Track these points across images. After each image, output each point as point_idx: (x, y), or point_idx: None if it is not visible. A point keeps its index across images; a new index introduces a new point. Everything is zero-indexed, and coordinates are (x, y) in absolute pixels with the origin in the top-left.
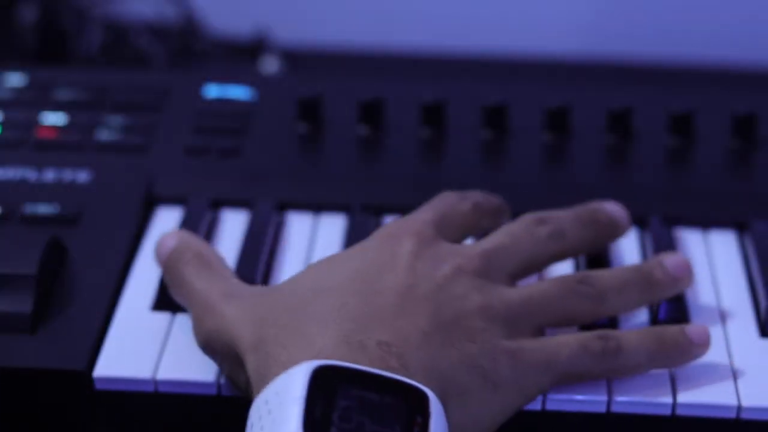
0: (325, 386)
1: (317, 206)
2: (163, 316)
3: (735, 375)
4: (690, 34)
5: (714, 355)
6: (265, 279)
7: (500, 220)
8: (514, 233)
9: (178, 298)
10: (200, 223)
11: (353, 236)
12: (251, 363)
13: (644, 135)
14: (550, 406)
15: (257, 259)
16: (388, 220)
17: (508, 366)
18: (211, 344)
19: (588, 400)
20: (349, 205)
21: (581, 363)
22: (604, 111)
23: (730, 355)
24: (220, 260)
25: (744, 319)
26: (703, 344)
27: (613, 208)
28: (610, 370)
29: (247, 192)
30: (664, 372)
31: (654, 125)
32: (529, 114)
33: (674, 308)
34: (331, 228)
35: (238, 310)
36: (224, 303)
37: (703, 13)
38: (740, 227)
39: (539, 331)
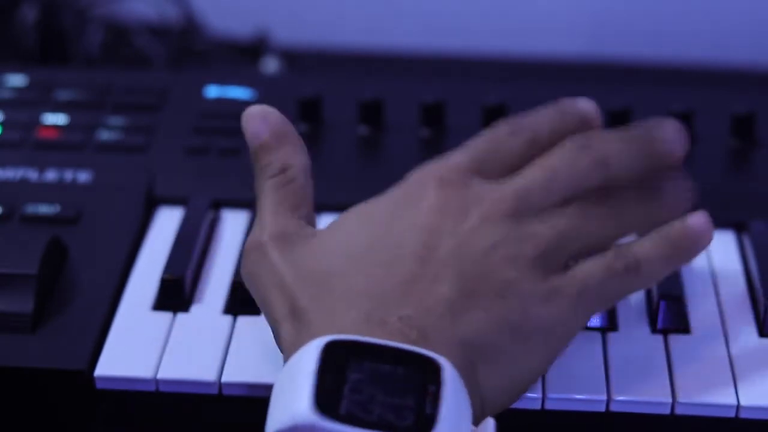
0: (336, 360)
1: (317, 206)
2: (164, 316)
3: (734, 374)
4: (690, 34)
5: (713, 354)
6: None
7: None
8: (554, 166)
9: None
10: (200, 223)
11: None
12: (284, 333)
13: None
14: (550, 405)
15: None
16: None
17: (541, 314)
18: (249, 284)
19: (587, 399)
20: (349, 205)
21: (609, 286)
22: (604, 111)
23: (729, 355)
24: (302, 177)
25: (743, 319)
26: (708, 229)
27: (670, 134)
28: (635, 286)
29: (247, 192)
30: (663, 371)
31: None
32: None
33: (673, 308)
34: None
35: (282, 262)
36: (273, 245)
37: (703, 14)
38: (739, 227)
39: (567, 263)
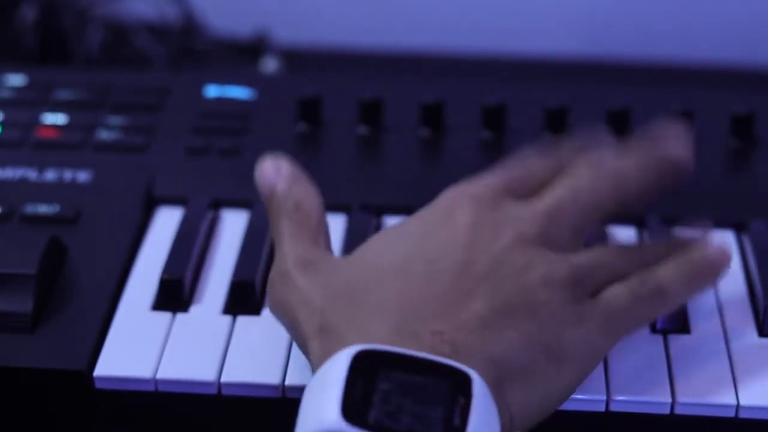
0: (366, 369)
1: None
2: (163, 316)
3: (734, 374)
4: (689, 34)
5: (712, 354)
6: (266, 279)
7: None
8: (575, 186)
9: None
10: (200, 223)
11: (353, 236)
12: (314, 349)
13: None
14: None
15: (258, 259)
16: (388, 220)
17: (571, 335)
18: (277, 312)
19: (587, 399)
20: (349, 205)
21: (636, 311)
22: (604, 111)
23: (728, 355)
24: (317, 214)
25: (743, 319)
26: (727, 256)
27: (678, 151)
28: (660, 310)
29: (247, 192)
30: (663, 371)
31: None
32: (528, 114)
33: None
34: (331, 228)
35: (309, 285)
36: (299, 271)
37: (703, 14)
38: (739, 227)
39: (596, 290)
